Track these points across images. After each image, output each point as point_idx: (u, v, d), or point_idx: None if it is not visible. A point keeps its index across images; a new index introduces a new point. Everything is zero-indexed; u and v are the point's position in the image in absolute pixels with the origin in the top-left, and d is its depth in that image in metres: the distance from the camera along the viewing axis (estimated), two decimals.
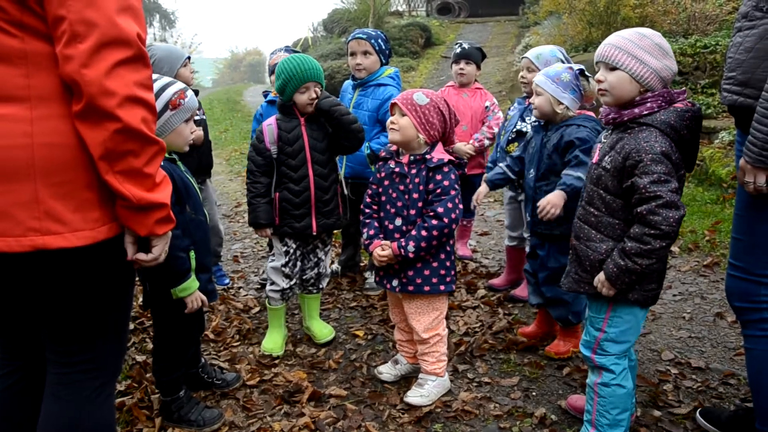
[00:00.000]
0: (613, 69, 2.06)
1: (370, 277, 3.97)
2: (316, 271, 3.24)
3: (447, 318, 3.49)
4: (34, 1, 1.33)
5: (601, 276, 2.11)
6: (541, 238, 2.98)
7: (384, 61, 3.74)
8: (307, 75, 2.92)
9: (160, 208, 1.49)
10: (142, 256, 1.56)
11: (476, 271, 4.32)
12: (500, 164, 3.28)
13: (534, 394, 2.75)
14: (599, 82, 2.12)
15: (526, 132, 3.48)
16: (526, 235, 3.66)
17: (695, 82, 8.16)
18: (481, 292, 3.89)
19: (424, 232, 2.48)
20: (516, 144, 3.53)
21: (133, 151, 1.39)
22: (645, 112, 2.03)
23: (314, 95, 2.96)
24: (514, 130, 3.56)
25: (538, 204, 2.76)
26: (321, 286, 3.30)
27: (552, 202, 2.70)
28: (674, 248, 4.52)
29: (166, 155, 2.33)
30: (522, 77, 3.53)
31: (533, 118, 3.48)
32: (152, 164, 1.45)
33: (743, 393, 2.69)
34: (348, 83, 3.89)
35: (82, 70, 1.31)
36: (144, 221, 1.48)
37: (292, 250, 3.15)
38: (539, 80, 2.85)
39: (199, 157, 3.60)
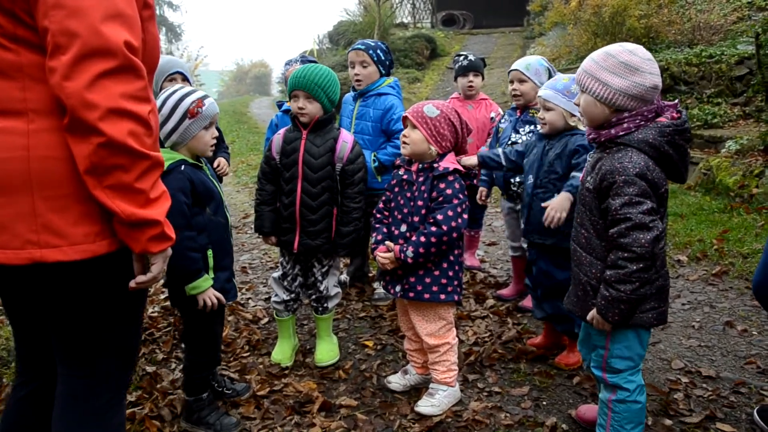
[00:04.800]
0: (584, 92, 2.06)
1: (379, 288, 3.98)
2: (315, 291, 3.16)
3: (456, 328, 3.50)
4: (25, 12, 1.31)
5: (593, 312, 2.07)
6: (536, 249, 2.96)
7: (384, 71, 3.72)
8: (294, 83, 2.89)
9: (153, 225, 1.43)
10: (141, 277, 1.52)
11: (485, 281, 4.32)
12: (499, 149, 3.14)
13: (544, 403, 2.75)
14: (577, 105, 2.14)
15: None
16: (525, 245, 3.68)
17: (701, 91, 8.18)
18: (490, 302, 3.89)
19: (422, 238, 2.49)
20: None
21: (122, 166, 1.35)
22: (621, 133, 1.99)
23: (302, 105, 2.88)
24: (509, 142, 3.55)
25: (545, 210, 2.70)
26: (326, 306, 3.18)
27: (556, 206, 2.66)
28: (682, 257, 4.52)
29: (190, 160, 2.37)
30: (514, 89, 3.51)
31: (527, 129, 3.51)
32: (145, 179, 1.40)
33: (755, 401, 2.68)
34: (349, 95, 3.88)
35: (63, 83, 1.27)
36: (137, 238, 1.43)
37: (288, 265, 3.15)
38: (548, 95, 2.79)
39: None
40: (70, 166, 1.36)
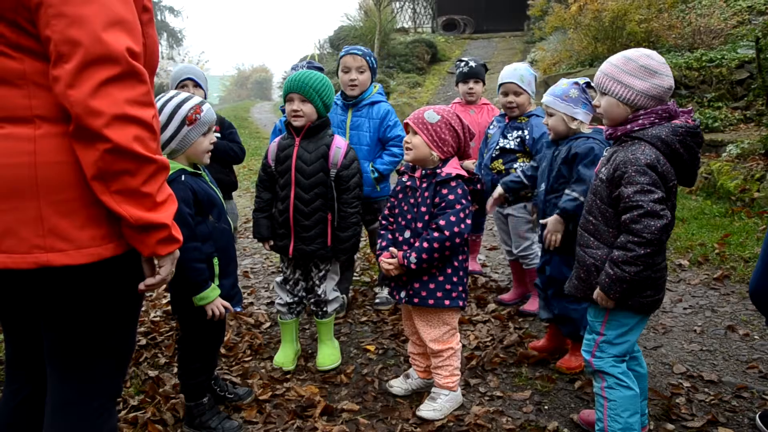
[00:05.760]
0: (604, 94, 2.18)
1: (381, 293, 3.98)
2: (313, 295, 3.17)
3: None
4: (27, 21, 1.32)
5: (597, 290, 2.17)
6: (549, 252, 3.00)
7: (374, 78, 3.72)
8: (289, 86, 2.91)
9: (161, 229, 1.45)
10: (150, 280, 1.54)
11: (486, 285, 4.33)
12: (517, 170, 3.29)
13: (546, 407, 2.75)
14: (596, 107, 2.26)
15: (509, 149, 3.55)
16: (515, 251, 3.71)
17: (701, 95, 8.18)
18: (491, 306, 3.90)
19: (425, 244, 2.50)
20: (500, 161, 3.62)
21: (129, 171, 1.36)
22: (636, 128, 2.11)
23: (296, 107, 2.88)
24: (497, 147, 3.61)
25: (543, 237, 2.92)
26: (326, 310, 3.18)
27: (551, 229, 2.86)
28: (684, 261, 4.52)
29: (189, 169, 2.36)
30: (510, 102, 3.55)
31: (515, 134, 3.56)
32: (151, 183, 1.41)
33: (757, 406, 2.68)
34: (335, 102, 3.72)
35: (68, 91, 1.28)
36: (146, 241, 1.45)
37: (288, 270, 3.16)
38: (548, 101, 2.90)
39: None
40: (76, 170, 1.37)
